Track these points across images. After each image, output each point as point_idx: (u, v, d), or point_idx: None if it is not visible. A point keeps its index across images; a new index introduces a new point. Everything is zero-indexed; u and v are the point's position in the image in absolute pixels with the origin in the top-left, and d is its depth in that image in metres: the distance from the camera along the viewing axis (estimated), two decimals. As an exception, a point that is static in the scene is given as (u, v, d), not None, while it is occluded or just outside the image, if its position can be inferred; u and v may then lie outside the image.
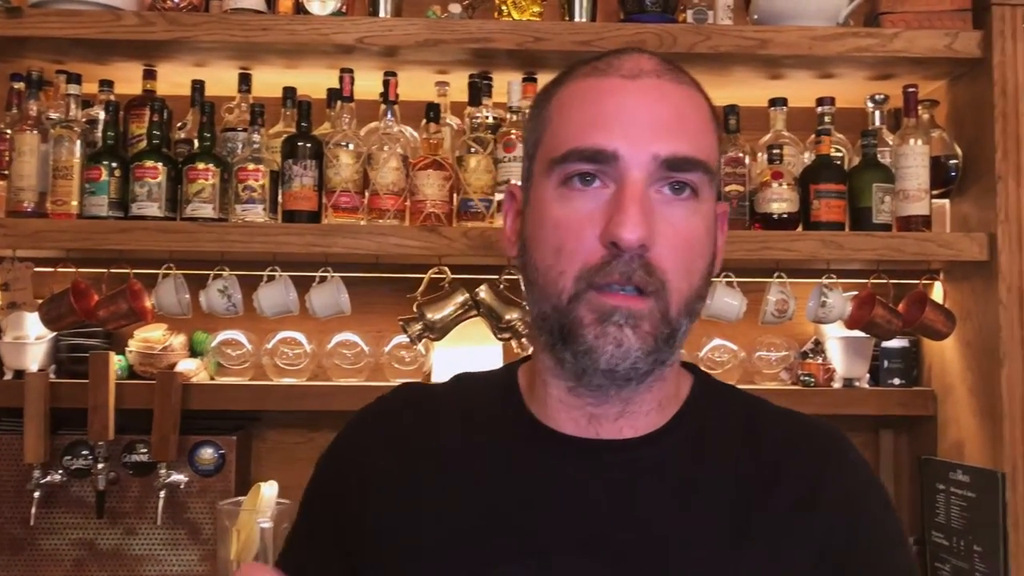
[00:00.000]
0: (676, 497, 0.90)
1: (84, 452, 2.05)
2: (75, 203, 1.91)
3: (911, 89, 2.02)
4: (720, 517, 0.89)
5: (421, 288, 2.00)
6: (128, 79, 2.07)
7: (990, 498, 1.89)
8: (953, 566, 2.02)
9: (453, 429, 0.97)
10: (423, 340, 1.98)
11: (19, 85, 2.01)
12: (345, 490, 0.97)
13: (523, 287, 0.94)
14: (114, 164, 1.91)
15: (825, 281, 2.00)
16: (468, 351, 2.07)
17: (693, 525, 0.89)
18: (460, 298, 1.96)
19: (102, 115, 1.99)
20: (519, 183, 0.96)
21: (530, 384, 0.96)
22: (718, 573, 0.87)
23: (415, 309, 1.98)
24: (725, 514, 0.89)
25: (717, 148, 0.92)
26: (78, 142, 1.92)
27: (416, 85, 2.06)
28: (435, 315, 1.95)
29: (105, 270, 1.99)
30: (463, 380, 1.05)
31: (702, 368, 1.03)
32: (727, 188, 1.97)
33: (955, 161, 2.06)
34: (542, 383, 0.93)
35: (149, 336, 2.12)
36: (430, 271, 1.99)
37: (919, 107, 2.04)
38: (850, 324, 2.00)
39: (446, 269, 1.98)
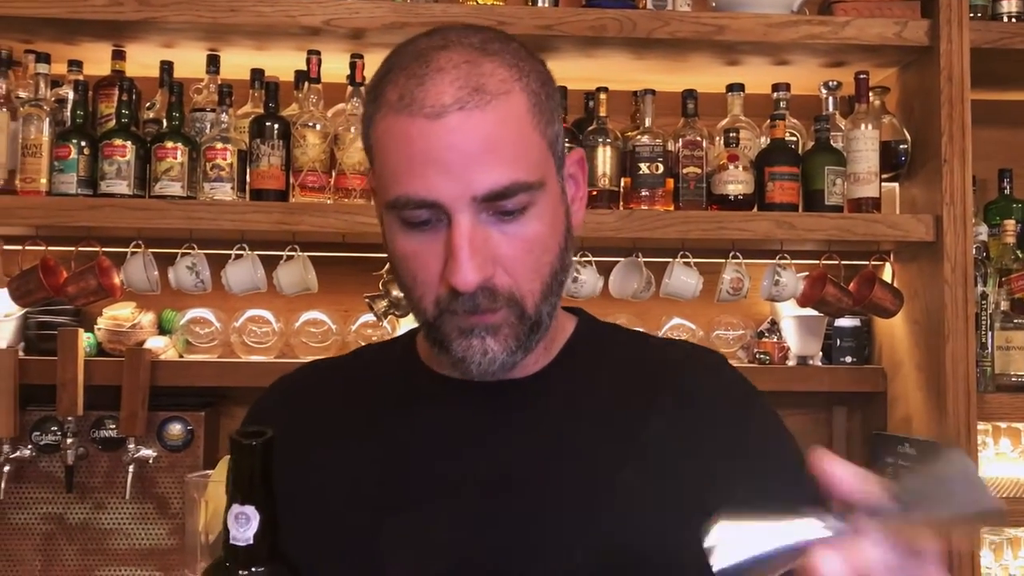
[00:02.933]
0: (564, 428, 0.95)
1: (53, 428, 2.07)
2: (44, 181, 1.93)
3: (862, 76, 2.09)
4: (605, 442, 0.94)
5: (386, 267, 2.04)
6: (97, 60, 2.09)
7: (935, 469, 1.97)
8: (900, 536, 2.09)
9: (353, 392, 1.03)
10: (389, 317, 2.03)
11: (-12, 65, 2.03)
12: None
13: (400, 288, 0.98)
14: (83, 143, 1.94)
15: (779, 261, 2.07)
16: (433, 329, 2.12)
17: (580, 453, 0.94)
18: (425, 276, 2.01)
19: (71, 95, 2.01)
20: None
21: (426, 343, 1.00)
22: (603, 496, 0.91)
23: (380, 287, 2.02)
24: (610, 439, 0.94)
25: (547, 136, 0.91)
26: (47, 120, 1.95)
27: (382, 68, 2.09)
28: (400, 292, 1.99)
29: (74, 248, 2.02)
30: (366, 349, 1.12)
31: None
32: (685, 170, 2.03)
33: (905, 146, 2.13)
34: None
35: (118, 314, 2.15)
36: (396, 250, 2.03)
37: (870, 93, 2.11)
38: (802, 302, 2.07)
39: (411, 248, 2.03)
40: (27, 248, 2.01)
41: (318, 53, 2.01)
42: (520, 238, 0.89)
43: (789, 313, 2.22)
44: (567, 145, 1.03)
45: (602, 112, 2.04)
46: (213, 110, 2.02)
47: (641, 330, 1.09)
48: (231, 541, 0.76)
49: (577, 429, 0.95)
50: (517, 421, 0.96)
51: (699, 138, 2.05)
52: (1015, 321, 2.08)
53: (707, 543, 0.65)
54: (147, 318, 2.17)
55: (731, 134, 2.05)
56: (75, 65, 2.07)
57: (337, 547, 0.93)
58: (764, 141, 2.12)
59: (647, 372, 1.01)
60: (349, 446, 0.98)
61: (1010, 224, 2.20)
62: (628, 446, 0.94)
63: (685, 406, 0.97)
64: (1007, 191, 2.30)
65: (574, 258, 1.84)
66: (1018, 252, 2.21)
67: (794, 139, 2.14)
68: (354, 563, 0.92)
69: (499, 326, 0.89)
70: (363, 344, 1.17)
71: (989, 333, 2.07)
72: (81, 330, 2.07)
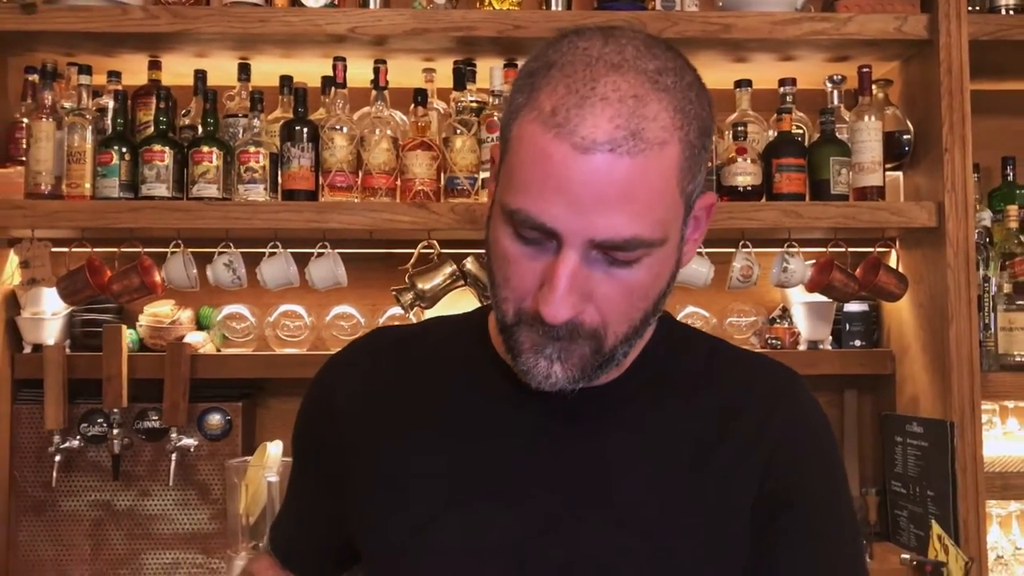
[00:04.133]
0: (637, 436, 0.97)
1: (99, 420, 2.19)
2: (88, 186, 2.05)
3: (865, 69, 2.17)
4: (673, 456, 0.96)
5: (412, 260, 2.15)
6: (134, 70, 2.21)
7: (941, 446, 2.05)
8: (910, 511, 2.18)
9: (423, 368, 1.04)
10: (414, 309, 2.13)
11: (33, 77, 2.15)
12: (324, 429, 1.05)
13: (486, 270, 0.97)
14: (124, 149, 2.05)
15: (787, 249, 2.15)
16: (457, 320, 2.22)
17: (652, 462, 0.96)
18: (448, 269, 2.11)
19: (111, 104, 2.13)
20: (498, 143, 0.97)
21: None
22: (668, 511, 0.95)
23: (407, 280, 2.12)
24: (679, 453, 0.96)
25: (687, 190, 0.88)
26: (89, 129, 2.06)
27: (405, 72, 2.20)
28: (425, 285, 2.09)
29: (117, 249, 2.13)
30: (434, 323, 1.12)
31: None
32: (695, 164, 2.12)
33: (907, 136, 2.21)
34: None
35: (158, 311, 2.27)
36: (420, 245, 2.14)
37: (873, 86, 2.19)
38: (810, 287, 2.16)
39: (435, 243, 2.13)
40: (73, 250, 2.13)
41: (343, 59, 2.11)
42: (623, 283, 0.87)
43: (799, 299, 2.31)
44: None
45: (615, 110, 2.13)
46: (245, 116, 2.13)
47: (717, 338, 1.09)
48: None
49: (646, 442, 0.96)
50: (586, 429, 0.96)
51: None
52: (1018, 303, 2.15)
53: None
54: (186, 315, 2.28)
55: (739, 128, 2.14)
56: (114, 76, 2.18)
57: (400, 534, 0.97)
58: (771, 134, 2.20)
59: (723, 391, 1.00)
60: (419, 433, 0.99)
61: (1013, 210, 2.28)
62: (688, 468, 0.95)
63: (749, 436, 0.97)
64: (1010, 178, 2.38)
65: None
66: (1021, 237, 2.28)
67: (800, 132, 2.23)
68: (416, 551, 0.95)
69: (573, 352, 0.88)
70: (430, 319, 1.14)
71: (992, 315, 2.14)
72: (124, 327, 2.19)
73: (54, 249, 2.13)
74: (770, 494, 0.96)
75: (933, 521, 2.04)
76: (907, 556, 2.06)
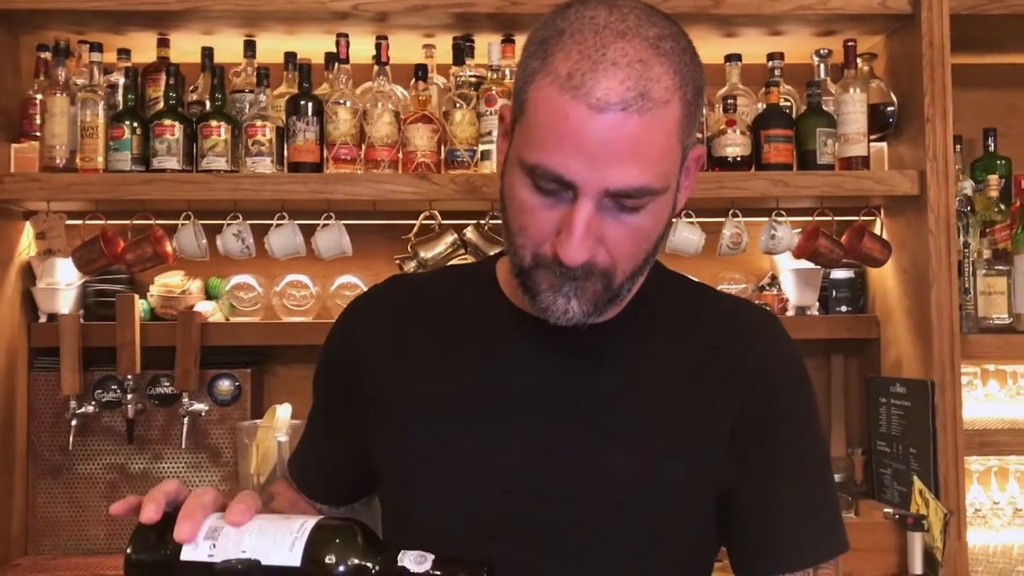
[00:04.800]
0: (628, 370, 1.07)
1: (113, 386, 2.27)
2: (101, 159, 2.12)
3: (850, 43, 2.25)
4: (663, 387, 1.07)
5: (414, 231, 2.23)
6: (143, 48, 2.28)
7: (922, 405, 2.14)
8: (893, 469, 2.27)
9: (438, 309, 1.13)
10: (417, 277, 2.21)
11: (46, 55, 2.22)
12: (347, 363, 1.15)
13: (501, 220, 1.07)
14: (135, 124, 2.13)
15: (775, 218, 2.24)
16: (458, 288, 2.30)
17: (640, 393, 1.06)
18: (449, 238, 2.19)
19: (122, 80, 2.20)
20: (508, 105, 1.04)
21: (508, 275, 1.11)
22: (657, 433, 1.05)
23: (409, 249, 2.21)
24: (668, 384, 1.07)
25: (686, 144, 0.98)
26: (101, 104, 2.13)
27: (405, 48, 2.27)
28: (427, 254, 2.18)
29: (129, 221, 2.21)
30: (445, 271, 1.23)
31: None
32: (687, 135, 2.20)
33: (891, 108, 2.29)
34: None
35: (168, 281, 2.34)
36: (422, 215, 2.22)
37: (858, 60, 2.27)
38: (797, 254, 2.24)
39: (436, 213, 2.21)
40: (87, 222, 2.20)
41: (346, 36, 2.18)
42: (630, 227, 0.96)
43: (787, 267, 2.39)
44: None
45: (609, 83, 2.20)
46: (251, 91, 2.21)
47: (702, 283, 1.19)
48: (405, 566, 0.86)
49: (638, 372, 1.06)
50: (586, 360, 1.06)
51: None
52: (996, 268, 2.24)
53: None
54: (195, 285, 2.36)
55: (729, 101, 2.22)
56: (124, 53, 2.25)
57: (415, 453, 1.06)
58: (760, 107, 2.28)
59: (707, 329, 1.09)
60: (434, 365, 1.08)
61: (993, 179, 2.36)
62: (675, 395, 1.05)
63: (729, 367, 1.07)
64: (991, 148, 2.46)
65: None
66: (1001, 205, 2.37)
67: (788, 104, 2.31)
68: (427, 470, 1.05)
69: (586, 291, 0.97)
70: (443, 267, 1.23)
71: (972, 279, 2.23)
72: (136, 296, 2.27)
73: (68, 222, 2.21)
74: (748, 418, 1.06)
75: (915, 477, 2.13)
76: (890, 511, 2.16)
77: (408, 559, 0.85)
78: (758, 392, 1.08)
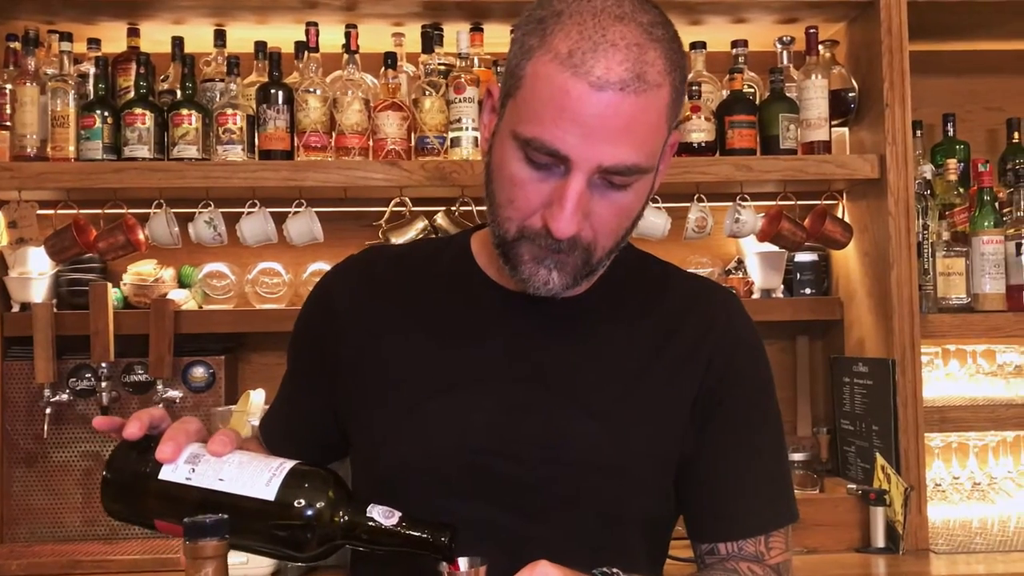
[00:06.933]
0: (596, 342, 1.12)
1: (87, 375, 2.28)
2: (72, 148, 2.13)
3: (812, 30, 2.29)
4: (629, 358, 1.11)
5: (385, 217, 2.26)
6: (113, 38, 2.29)
7: (884, 384, 2.19)
8: (857, 447, 2.32)
9: (413, 278, 1.17)
10: (388, 263, 2.24)
11: (15, 44, 2.23)
12: (322, 329, 1.18)
13: (485, 194, 1.11)
14: (106, 113, 2.14)
15: (739, 203, 2.28)
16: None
17: (607, 364, 1.11)
18: (420, 224, 2.22)
19: (92, 70, 2.21)
20: (498, 83, 1.08)
21: (483, 248, 1.17)
22: (622, 402, 1.09)
23: (380, 235, 2.23)
24: (633, 355, 1.12)
25: (671, 128, 1.02)
26: (72, 94, 2.14)
27: (375, 37, 2.30)
28: (399, 239, 2.20)
29: (101, 210, 2.22)
30: (422, 242, 1.26)
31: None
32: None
33: (853, 94, 2.34)
34: (495, 254, 1.08)
35: (141, 270, 2.36)
36: (392, 202, 2.25)
37: (820, 47, 2.32)
38: (761, 237, 2.29)
39: (407, 200, 2.24)
40: (59, 212, 2.21)
41: (316, 24, 2.21)
42: (615, 205, 1.01)
43: (752, 250, 2.44)
44: None
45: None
46: (222, 80, 2.22)
47: (668, 262, 1.23)
48: (373, 517, 0.89)
49: (605, 344, 1.11)
50: (556, 331, 1.11)
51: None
52: (955, 250, 2.29)
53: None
54: (168, 273, 2.38)
55: (694, 88, 2.26)
56: (94, 43, 2.26)
57: (387, 418, 1.10)
58: (724, 93, 2.32)
59: (671, 304, 1.15)
60: (409, 331, 1.12)
61: (952, 163, 2.42)
62: (640, 367, 1.10)
63: (692, 342, 1.12)
64: (950, 133, 2.51)
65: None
66: (960, 189, 2.42)
67: (752, 90, 2.35)
68: (399, 434, 1.09)
69: (567, 264, 1.02)
70: (419, 239, 1.26)
71: (932, 260, 2.28)
72: (109, 284, 2.28)
73: (40, 211, 2.22)
74: (707, 391, 1.12)
75: (877, 454, 2.19)
76: (853, 487, 2.21)
77: (376, 512, 0.89)
78: (718, 366, 1.13)
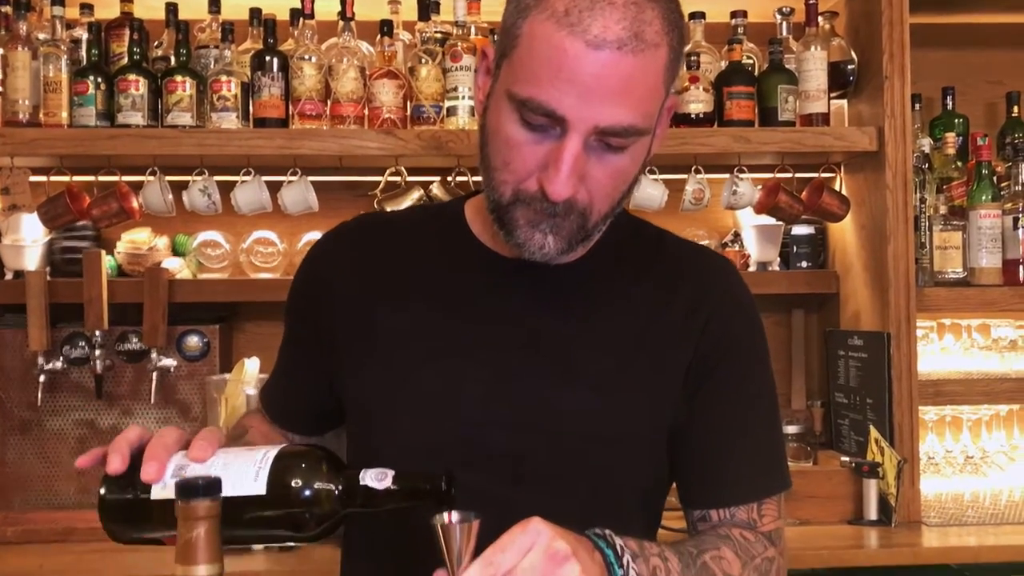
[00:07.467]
0: (590, 309, 1.11)
1: (81, 343, 2.28)
2: (65, 115, 2.11)
3: (811, 1, 2.27)
4: (623, 325, 1.10)
5: (380, 187, 2.24)
6: (106, 4, 2.26)
7: (879, 357, 2.19)
8: (851, 420, 2.33)
9: (405, 245, 1.15)
10: (384, 233, 2.22)
11: (6, 8, 2.20)
12: (314, 297, 1.17)
13: (479, 158, 1.09)
14: (99, 79, 2.12)
15: (736, 175, 2.27)
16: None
17: (601, 332, 1.10)
18: (416, 194, 2.21)
19: (85, 35, 2.19)
20: (493, 46, 1.06)
21: (477, 215, 1.15)
22: (615, 370, 1.09)
23: (376, 205, 2.22)
24: (628, 322, 1.11)
25: (668, 90, 1.00)
26: (64, 59, 2.12)
27: (371, 4, 2.26)
28: (394, 208, 2.19)
29: (94, 177, 2.21)
30: (415, 209, 1.25)
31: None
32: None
33: (852, 66, 2.32)
34: (490, 221, 1.07)
35: (135, 238, 2.35)
36: (387, 171, 2.23)
37: (819, 18, 2.30)
38: (758, 209, 2.28)
39: (402, 169, 2.23)
40: (52, 179, 2.20)
41: (311, -10, 2.19)
42: (611, 168, 0.99)
43: (749, 223, 2.43)
44: None
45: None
46: (216, 47, 2.20)
47: (663, 229, 1.21)
48: (367, 483, 0.88)
49: (599, 312, 1.09)
50: (550, 299, 1.09)
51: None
52: (952, 224, 2.29)
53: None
54: (162, 241, 2.37)
55: (693, 58, 2.24)
56: (86, 8, 2.24)
57: (380, 386, 1.09)
58: (723, 64, 2.31)
59: (667, 272, 1.13)
60: (401, 299, 1.11)
61: (951, 137, 2.41)
62: (634, 335, 1.09)
63: (687, 309, 1.10)
64: (949, 107, 2.50)
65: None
66: (958, 163, 2.41)
67: (750, 62, 2.33)
68: (392, 402, 1.08)
69: (562, 228, 1.00)
70: (412, 206, 1.22)
71: (929, 234, 2.28)
72: (103, 252, 2.27)
73: (32, 179, 2.20)
74: (702, 358, 1.10)
75: (871, 426, 2.19)
76: (846, 459, 2.22)
77: (369, 477, 0.88)
78: (713, 333, 1.11)
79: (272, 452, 0.91)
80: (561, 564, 0.83)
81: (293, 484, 0.88)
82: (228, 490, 0.87)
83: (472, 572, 0.81)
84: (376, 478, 0.88)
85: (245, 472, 0.89)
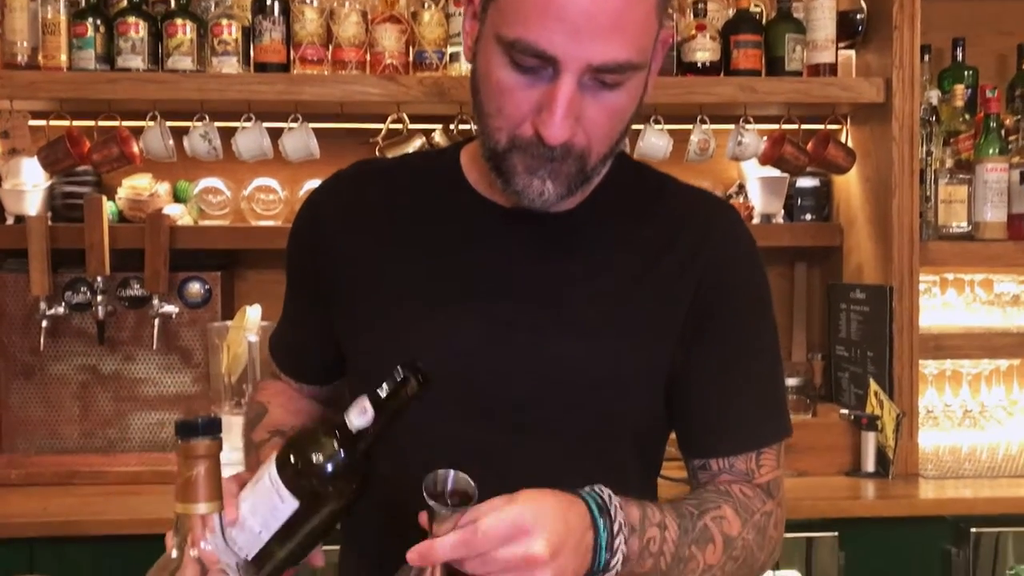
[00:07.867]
0: (588, 256, 1.09)
1: (83, 288, 2.28)
2: (64, 58, 2.09)
3: (822, -52, 2.24)
4: (621, 272, 1.08)
5: (382, 134, 2.23)
6: (105, -56, 2.23)
7: (881, 310, 2.19)
8: (851, 373, 2.33)
9: (402, 194, 1.12)
10: (386, 181, 2.21)
11: (4, -52, 2.17)
12: (313, 248, 1.15)
13: (472, 105, 1.07)
14: (98, 21, 2.10)
15: (742, 125, 2.25)
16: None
17: (598, 279, 1.08)
18: (418, 142, 2.19)
19: (83, -23, 2.16)
20: None
21: (472, 162, 1.13)
22: (613, 318, 1.07)
23: (377, 153, 2.21)
24: (626, 268, 1.09)
25: (661, 23, 0.98)
26: (62, 1, 2.09)
27: (373, -53, 2.24)
28: (396, 155, 2.17)
29: (94, 122, 2.19)
30: (412, 156, 1.23)
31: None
32: (656, 40, 2.20)
33: (860, 16, 2.29)
34: (486, 169, 1.08)
35: (136, 184, 2.34)
36: (389, 118, 2.21)
37: (829, -35, 2.26)
38: (763, 160, 2.27)
39: (404, 116, 2.21)
40: (51, 123, 2.18)
41: (313, -67, 2.15)
42: (608, 107, 0.96)
43: (754, 175, 2.41)
44: None
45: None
46: (217, -11, 2.17)
47: (665, 173, 1.17)
48: (354, 423, 0.87)
49: (597, 259, 1.07)
50: (547, 247, 1.07)
51: (670, 10, 2.20)
52: (959, 177, 2.27)
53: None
54: (163, 187, 2.36)
55: (699, 5, 2.21)
56: (85, -51, 2.20)
57: (377, 337, 1.08)
58: (730, 12, 2.27)
59: (667, 217, 1.10)
60: (396, 248, 1.09)
61: (959, 89, 2.38)
62: (631, 284, 1.06)
63: (686, 256, 1.07)
64: (959, 59, 2.46)
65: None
66: (966, 115, 2.39)
67: (758, 10, 2.30)
68: (389, 353, 1.02)
69: (561, 173, 0.98)
70: (407, 153, 1.18)
71: (934, 188, 2.26)
72: (104, 197, 2.26)
73: (31, 123, 2.19)
74: (701, 304, 1.08)
75: (871, 379, 2.20)
76: (845, 412, 2.23)
77: (353, 415, 0.87)
78: (713, 278, 1.09)
79: (272, 468, 0.89)
80: (533, 571, 0.84)
81: (308, 479, 0.87)
82: (274, 525, 0.87)
83: (447, 539, 0.83)
84: (358, 413, 0.87)
85: (271, 502, 0.88)
